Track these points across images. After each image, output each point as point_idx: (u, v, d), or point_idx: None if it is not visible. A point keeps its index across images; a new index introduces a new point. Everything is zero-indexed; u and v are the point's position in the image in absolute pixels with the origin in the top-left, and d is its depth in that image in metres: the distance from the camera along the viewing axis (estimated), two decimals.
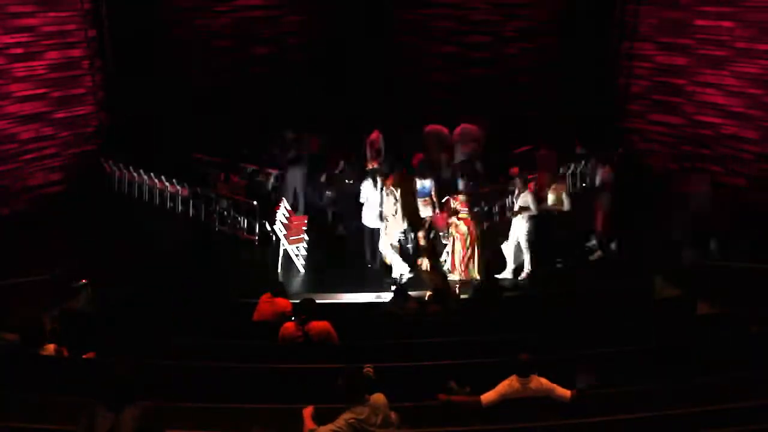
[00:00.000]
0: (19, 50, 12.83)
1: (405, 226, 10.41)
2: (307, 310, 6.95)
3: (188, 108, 15.29)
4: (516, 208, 10.08)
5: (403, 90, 16.29)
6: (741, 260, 9.23)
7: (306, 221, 11.19)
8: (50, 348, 6.48)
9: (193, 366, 6.29)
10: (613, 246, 10.78)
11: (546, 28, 16.41)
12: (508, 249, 10.21)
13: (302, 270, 10.50)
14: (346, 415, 4.77)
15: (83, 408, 4.45)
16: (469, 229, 10.08)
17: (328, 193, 12.03)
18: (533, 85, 16.38)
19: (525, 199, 9.93)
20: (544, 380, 5.56)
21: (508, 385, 5.53)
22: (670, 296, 8.91)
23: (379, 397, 4.93)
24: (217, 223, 12.04)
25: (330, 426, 4.74)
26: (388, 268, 10.27)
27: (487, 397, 5.50)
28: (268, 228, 11.18)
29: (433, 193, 10.83)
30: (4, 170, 12.67)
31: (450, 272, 10.28)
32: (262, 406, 5.65)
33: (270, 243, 11.23)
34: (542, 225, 10.17)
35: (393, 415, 5.04)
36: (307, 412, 4.98)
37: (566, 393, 5.53)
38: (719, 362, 6.39)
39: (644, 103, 14.76)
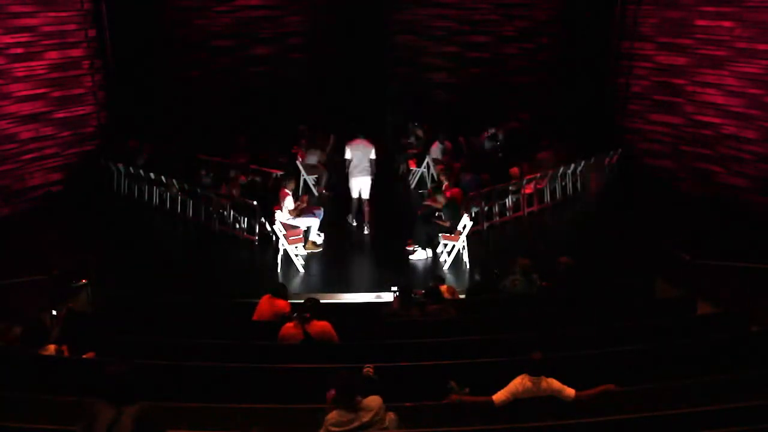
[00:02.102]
0: (19, 50, 12.82)
1: None
2: (310, 309, 6.95)
3: (188, 107, 15.35)
4: None
5: (403, 90, 16.32)
6: (740, 260, 9.22)
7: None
8: (51, 348, 6.48)
9: (193, 366, 6.29)
10: None
11: (546, 28, 16.43)
12: None
13: (302, 270, 10.50)
14: (331, 416, 4.78)
15: (84, 406, 4.45)
16: None
17: None
18: (533, 85, 16.40)
19: None
20: (553, 380, 5.56)
21: (519, 383, 5.53)
22: (670, 296, 8.91)
23: (373, 400, 4.91)
24: (216, 223, 12.03)
25: None
26: None
27: (499, 396, 5.50)
28: (268, 228, 11.18)
29: None
30: (4, 170, 12.67)
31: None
32: (262, 406, 5.65)
33: (270, 243, 11.23)
34: None
35: (391, 415, 5.03)
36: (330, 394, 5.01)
37: (571, 393, 5.54)
38: (719, 362, 6.40)
39: (644, 103, 14.77)
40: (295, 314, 7.07)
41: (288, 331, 6.87)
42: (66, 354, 6.52)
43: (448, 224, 10.73)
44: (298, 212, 10.91)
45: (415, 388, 5.81)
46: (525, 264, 8.98)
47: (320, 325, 6.85)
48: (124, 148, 13.99)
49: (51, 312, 7.98)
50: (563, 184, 13.55)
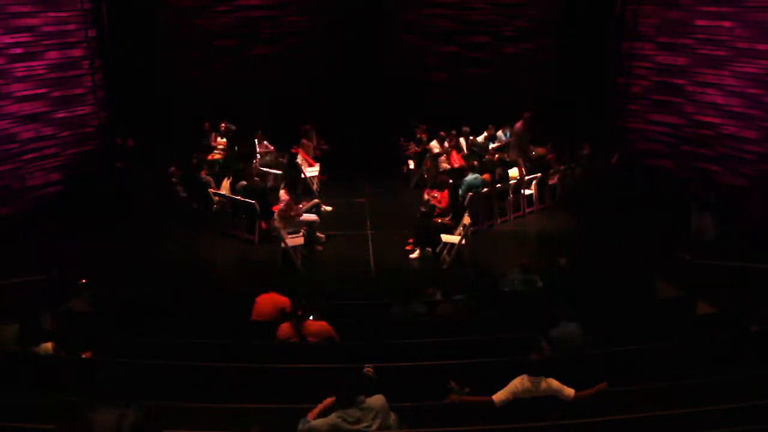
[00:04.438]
0: (19, 50, 12.82)
1: None
2: (303, 308, 6.97)
3: (188, 107, 15.35)
4: None
5: (403, 90, 16.29)
6: (740, 260, 9.23)
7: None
8: (48, 346, 6.49)
9: (193, 366, 6.29)
10: None
11: (545, 28, 16.42)
12: None
13: (302, 269, 10.49)
14: (335, 414, 4.80)
15: (81, 409, 4.42)
16: None
17: None
18: (533, 85, 16.39)
19: None
20: (552, 380, 5.57)
21: (519, 383, 5.54)
22: (670, 296, 8.91)
23: (377, 399, 4.93)
24: (215, 223, 12.04)
25: (320, 420, 4.80)
26: None
27: (499, 396, 5.51)
28: (268, 227, 11.19)
29: None
30: (4, 170, 12.66)
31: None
32: (262, 406, 5.65)
33: (270, 243, 11.22)
34: None
35: (393, 416, 5.04)
36: (324, 402, 5.03)
37: (571, 393, 5.54)
38: (719, 362, 6.40)
39: (644, 103, 14.76)
40: (290, 314, 7.08)
41: (284, 332, 6.88)
42: (63, 353, 6.53)
43: (452, 223, 10.76)
44: (297, 214, 10.93)
45: (415, 388, 5.81)
46: (525, 264, 8.99)
47: (318, 325, 6.85)
48: (123, 147, 13.99)
49: (51, 312, 7.98)
50: (563, 184, 13.55)
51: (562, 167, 13.34)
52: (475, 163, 12.73)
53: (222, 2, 15.91)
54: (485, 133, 15.00)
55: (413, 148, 14.94)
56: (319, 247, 11.20)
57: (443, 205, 11.47)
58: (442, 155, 13.80)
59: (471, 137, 14.73)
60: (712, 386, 5.89)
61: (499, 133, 15.17)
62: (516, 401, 5.52)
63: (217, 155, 14.27)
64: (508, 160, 13.53)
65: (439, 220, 11.04)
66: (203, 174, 12.50)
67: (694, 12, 13.33)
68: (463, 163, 12.64)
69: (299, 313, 6.88)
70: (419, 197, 12.67)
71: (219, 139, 14.75)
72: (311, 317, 7.05)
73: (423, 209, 11.19)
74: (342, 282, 10.21)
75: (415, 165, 14.42)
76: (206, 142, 14.66)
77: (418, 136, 14.97)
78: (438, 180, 12.13)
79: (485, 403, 5.52)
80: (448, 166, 13.43)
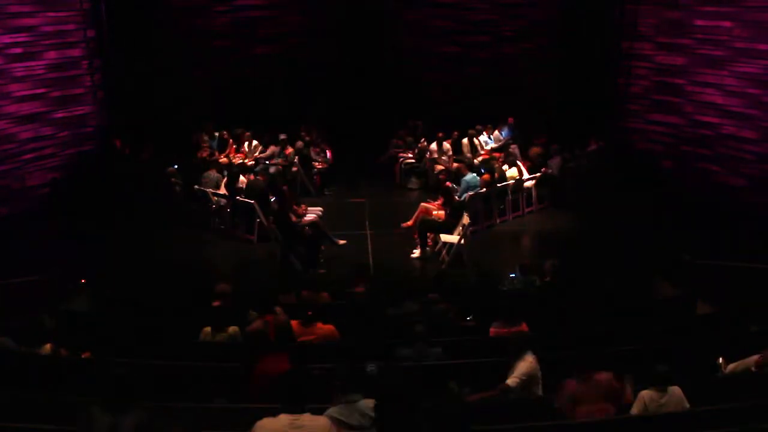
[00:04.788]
0: (18, 50, 12.80)
1: None
2: (314, 308, 6.97)
3: (188, 107, 15.35)
4: None
5: (402, 89, 16.29)
6: (740, 260, 9.23)
7: None
8: (47, 348, 6.48)
9: (194, 366, 6.29)
10: None
11: (545, 28, 16.41)
12: None
13: (301, 269, 10.49)
14: (333, 410, 4.78)
15: (81, 410, 4.41)
16: None
17: None
18: (533, 85, 16.39)
19: None
20: None
21: (529, 365, 5.69)
22: (670, 296, 8.91)
23: (369, 403, 4.86)
24: (216, 222, 12.04)
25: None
26: None
27: (513, 381, 5.63)
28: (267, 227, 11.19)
29: None
30: (3, 170, 12.64)
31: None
32: (261, 406, 5.63)
33: (268, 242, 11.22)
34: None
35: None
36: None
37: None
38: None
39: (644, 103, 14.75)
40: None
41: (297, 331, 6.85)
42: (63, 353, 6.53)
43: (451, 222, 10.77)
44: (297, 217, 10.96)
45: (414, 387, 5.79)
46: (524, 265, 9.00)
47: (326, 329, 6.85)
48: (122, 148, 13.99)
49: (51, 312, 7.96)
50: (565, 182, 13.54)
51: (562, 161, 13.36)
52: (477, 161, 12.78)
53: (221, 2, 15.91)
54: (484, 133, 15.02)
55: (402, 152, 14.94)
56: (342, 241, 11.17)
57: (439, 206, 11.40)
58: (443, 156, 13.83)
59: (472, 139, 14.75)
60: (712, 386, 5.89)
61: (496, 132, 15.19)
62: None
63: (203, 154, 14.29)
64: (504, 159, 13.53)
65: (435, 213, 11.06)
66: (206, 173, 12.48)
67: (694, 12, 13.32)
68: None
69: (309, 313, 6.87)
70: (419, 198, 12.71)
71: (204, 137, 14.77)
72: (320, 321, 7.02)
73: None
74: (341, 282, 10.20)
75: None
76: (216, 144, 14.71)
77: (417, 136, 14.98)
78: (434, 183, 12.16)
79: (502, 390, 5.58)
80: (443, 167, 13.46)
